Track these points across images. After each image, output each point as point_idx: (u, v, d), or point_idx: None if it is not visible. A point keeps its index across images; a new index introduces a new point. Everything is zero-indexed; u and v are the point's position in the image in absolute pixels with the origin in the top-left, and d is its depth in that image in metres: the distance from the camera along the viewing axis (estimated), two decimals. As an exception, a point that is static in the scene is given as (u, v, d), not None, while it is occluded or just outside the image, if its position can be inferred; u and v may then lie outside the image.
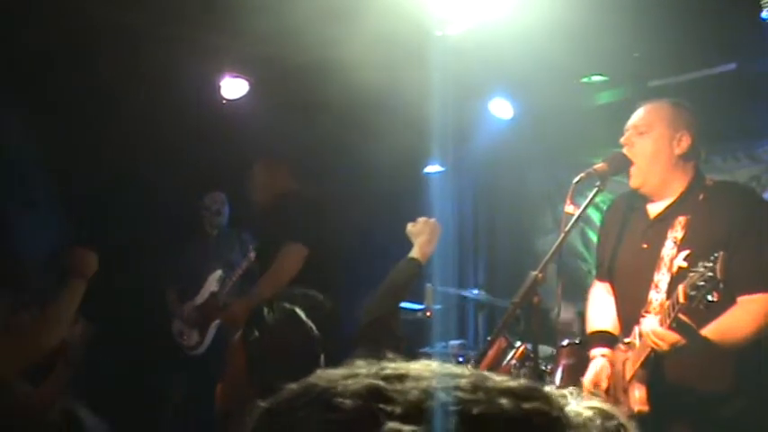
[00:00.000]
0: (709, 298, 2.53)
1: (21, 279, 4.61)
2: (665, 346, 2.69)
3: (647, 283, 2.90)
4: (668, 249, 2.88)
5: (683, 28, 4.65)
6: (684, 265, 2.74)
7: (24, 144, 4.96)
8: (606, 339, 3.12)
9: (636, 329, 2.89)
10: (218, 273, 5.16)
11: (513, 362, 4.52)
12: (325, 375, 0.78)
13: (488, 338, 3.27)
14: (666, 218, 2.97)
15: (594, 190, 2.94)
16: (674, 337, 2.68)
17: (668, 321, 2.68)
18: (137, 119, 5.08)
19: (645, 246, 3.00)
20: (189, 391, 5.02)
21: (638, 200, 3.15)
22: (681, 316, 2.64)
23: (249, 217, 5.00)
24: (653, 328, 2.72)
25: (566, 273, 5.68)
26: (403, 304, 5.93)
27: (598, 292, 3.30)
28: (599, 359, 3.05)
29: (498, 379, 0.77)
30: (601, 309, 3.24)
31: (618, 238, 3.17)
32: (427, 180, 6.52)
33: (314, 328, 2.02)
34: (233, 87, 5.15)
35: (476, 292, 5.50)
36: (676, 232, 2.87)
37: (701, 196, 2.96)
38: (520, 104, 6.04)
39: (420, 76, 4.79)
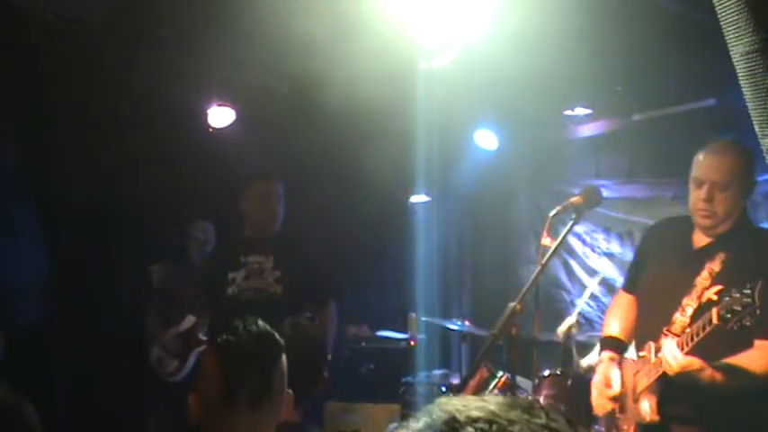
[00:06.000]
0: (745, 322, 2.66)
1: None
2: (677, 369, 2.84)
3: (675, 304, 3.05)
4: (702, 279, 3.03)
5: (664, 64, 4.74)
6: (714, 298, 2.86)
7: (7, 170, 4.98)
8: (617, 346, 3.35)
9: (651, 345, 3.08)
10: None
11: (496, 392, 4.53)
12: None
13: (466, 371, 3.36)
14: (709, 251, 3.11)
15: (570, 223, 2.99)
16: (689, 362, 2.83)
17: (689, 346, 2.84)
18: (124, 145, 5.11)
19: (682, 270, 3.14)
20: (167, 418, 5.01)
21: (683, 225, 3.27)
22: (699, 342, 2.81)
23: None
24: (672, 350, 2.87)
25: (547, 303, 5.74)
26: (387, 333, 6.01)
27: (621, 301, 3.51)
28: (609, 362, 3.27)
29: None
30: (620, 317, 3.44)
31: (656, 257, 3.33)
32: (413, 209, 6.57)
33: (283, 346, 2.07)
34: (220, 116, 5.20)
35: (459, 322, 5.52)
36: (715, 265, 3.03)
37: (744, 238, 3.09)
38: (504, 136, 6.11)
39: (406, 108, 4.86)
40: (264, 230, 4.52)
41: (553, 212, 3.00)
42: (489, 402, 0.89)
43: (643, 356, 3.13)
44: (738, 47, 1.75)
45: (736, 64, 1.77)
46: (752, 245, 3.06)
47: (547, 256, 2.90)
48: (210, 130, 5.18)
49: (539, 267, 2.90)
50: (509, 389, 4.35)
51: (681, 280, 3.10)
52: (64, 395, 5.11)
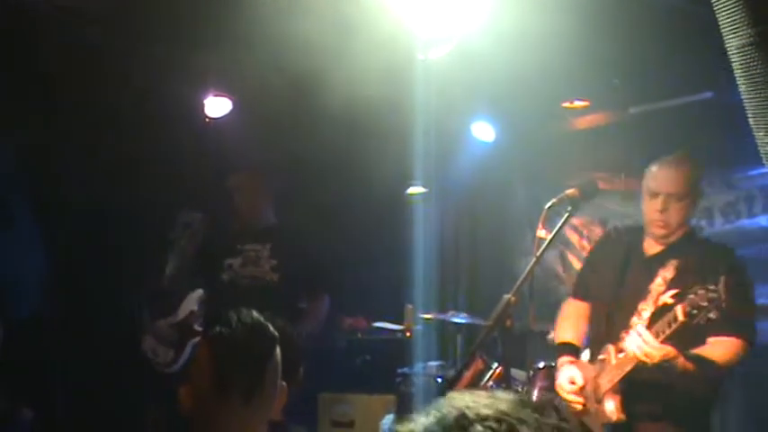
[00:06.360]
0: (711, 316, 2.81)
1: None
2: (658, 357, 2.93)
3: (632, 309, 3.18)
4: (657, 285, 3.18)
5: (662, 57, 4.74)
6: (671, 302, 3.02)
7: (5, 165, 4.97)
8: (573, 351, 3.49)
9: (610, 348, 3.18)
10: (200, 292, 5.14)
11: (491, 383, 4.55)
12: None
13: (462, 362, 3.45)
14: (661, 258, 3.27)
15: (566, 215, 3.02)
16: (668, 350, 2.93)
17: (661, 338, 2.96)
18: (121, 136, 5.10)
19: (636, 277, 3.30)
20: (163, 410, 5.00)
21: (633, 234, 3.46)
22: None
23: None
24: (649, 341, 2.95)
25: (544, 295, 5.76)
26: (384, 324, 6.01)
27: (573, 309, 3.62)
28: (568, 364, 3.39)
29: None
30: (573, 324, 3.57)
31: (608, 265, 3.46)
32: (410, 201, 6.57)
33: (277, 338, 2.05)
34: (216, 106, 5.19)
35: (455, 313, 5.52)
36: (668, 272, 3.18)
37: (693, 247, 3.28)
38: (502, 127, 6.11)
39: (403, 100, 4.86)
40: (246, 221, 4.56)
41: (549, 204, 3.03)
42: (500, 400, 0.88)
43: (603, 359, 3.23)
44: (734, 40, 1.75)
45: (731, 57, 1.78)
46: (700, 252, 3.24)
47: (542, 247, 2.91)
48: (207, 120, 5.18)
49: (534, 259, 2.91)
50: (503, 380, 4.38)
51: (635, 286, 3.25)
52: (61, 392, 5.11)
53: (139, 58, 4.65)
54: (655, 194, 3.23)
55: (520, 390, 4.36)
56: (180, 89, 5.00)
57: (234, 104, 5.23)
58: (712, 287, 2.80)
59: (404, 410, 5.13)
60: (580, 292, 3.61)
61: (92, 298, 5.24)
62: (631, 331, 3.04)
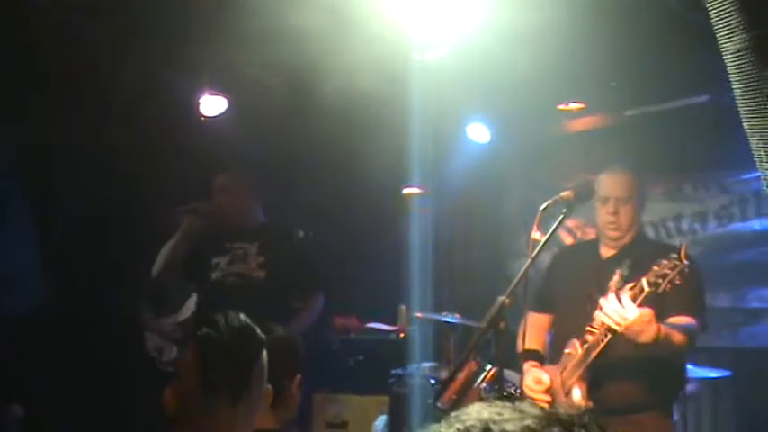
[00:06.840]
0: (676, 281, 2.98)
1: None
2: (632, 319, 3.02)
3: (594, 305, 3.29)
4: (614, 282, 3.37)
5: (658, 60, 4.75)
6: (630, 293, 3.14)
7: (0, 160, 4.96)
8: (538, 357, 3.70)
9: (575, 342, 3.38)
10: None
11: (484, 385, 4.54)
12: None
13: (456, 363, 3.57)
14: (617, 259, 3.50)
15: (560, 217, 3.04)
16: (643, 312, 3.03)
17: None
18: (118, 134, 5.10)
19: (595, 277, 3.50)
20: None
21: (587, 245, 3.80)
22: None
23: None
24: (626, 302, 3.05)
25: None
26: (376, 325, 6.00)
27: (535, 321, 3.80)
28: (534, 369, 3.58)
29: None
30: (536, 334, 3.77)
31: (568, 273, 3.70)
32: (406, 202, 6.57)
33: (264, 341, 2.06)
34: (212, 105, 5.18)
35: (449, 314, 5.51)
36: (623, 270, 3.38)
37: (643, 248, 3.54)
38: (497, 129, 6.10)
39: (399, 101, 4.86)
40: (234, 221, 4.55)
41: (543, 206, 3.06)
42: (527, 415, 0.85)
43: (568, 353, 3.42)
44: (729, 45, 1.76)
45: (726, 62, 1.78)
46: (651, 250, 3.43)
47: (537, 249, 2.93)
48: (202, 119, 5.16)
49: (528, 261, 2.92)
50: (497, 382, 4.37)
51: (595, 286, 3.45)
52: (58, 391, 5.10)
53: (135, 57, 4.65)
54: (605, 199, 3.50)
55: (514, 391, 4.35)
56: (176, 87, 4.99)
57: (229, 103, 5.22)
58: (674, 255, 2.99)
59: (397, 412, 5.12)
60: (542, 306, 3.80)
61: (89, 296, 5.22)
62: (610, 294, 3.12)
